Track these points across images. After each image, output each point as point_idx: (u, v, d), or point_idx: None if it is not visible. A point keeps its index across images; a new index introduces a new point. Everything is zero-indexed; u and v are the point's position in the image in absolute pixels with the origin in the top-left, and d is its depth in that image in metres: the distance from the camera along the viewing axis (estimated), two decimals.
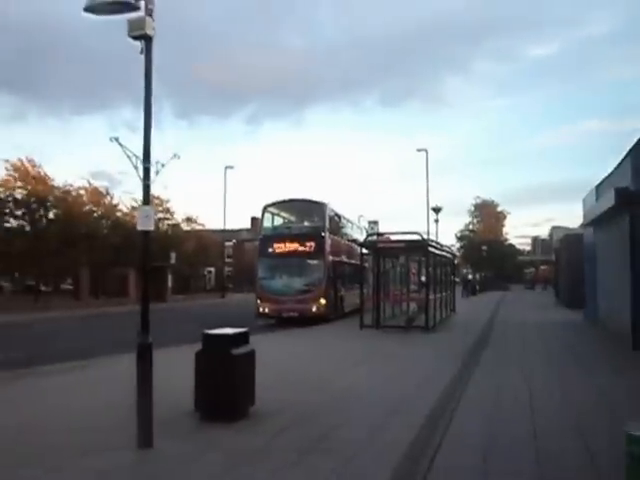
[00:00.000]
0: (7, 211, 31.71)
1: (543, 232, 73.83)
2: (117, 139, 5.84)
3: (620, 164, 13.73)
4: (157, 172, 5.78)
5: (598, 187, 16.94)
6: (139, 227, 5.64)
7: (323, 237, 21.14)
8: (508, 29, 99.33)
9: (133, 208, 36.68)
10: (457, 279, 38.22)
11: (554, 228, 49.48)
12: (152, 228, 5.74)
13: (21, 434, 5.95)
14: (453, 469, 4.89)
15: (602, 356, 12.09)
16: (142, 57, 5.52)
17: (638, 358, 11.36)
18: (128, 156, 5.72)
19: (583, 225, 20.12)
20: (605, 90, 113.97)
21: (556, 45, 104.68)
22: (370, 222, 36.44)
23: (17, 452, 5.33)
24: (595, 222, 16.52)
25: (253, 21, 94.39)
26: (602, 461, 4.99)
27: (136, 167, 5.66)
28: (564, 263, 30.50)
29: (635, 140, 12.00)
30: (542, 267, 67.46)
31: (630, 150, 12.41)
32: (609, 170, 15.35)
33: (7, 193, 31.48)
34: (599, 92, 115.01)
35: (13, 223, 32.48)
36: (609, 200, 12.90)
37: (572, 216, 41.84)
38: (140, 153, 5.64)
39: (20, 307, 28.19)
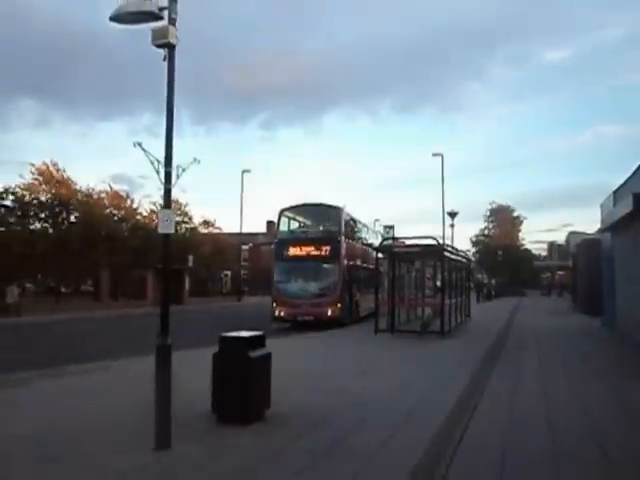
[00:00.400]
0: (32, 214, 32.71)
1: (560, 237, 73.10)
2: (140, 144, 5.97)
3: (638, 168, 13.58)
4: (178, 176, 5.92)
5: (616, 192, 16.77)
6: (160, 230, 5.75)
7: (339, 241, 21.21)
8: (523, 34, 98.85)
9: (152, 211, 37.82)
10: (472, 284, 37.93)
11: (571, 233, 48.90)
12: (172, 231, 5.87)
13: (42, 434, 6.03)
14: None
15: (622, 364, 11.83)
16: (164, 65, 5.66)
17: None
18: (151, 161, 5.85)
19: (601, 230, 19.91)
20: (622, 94, 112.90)
21: (572, 49, 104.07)
22: (386, 227, 36.36)
23: (37, 451, 5.42)
24: (613, 227, 16.35)
25: (269, 28, 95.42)
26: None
27: (158, 171, 5.80)
28: (581, 269, 30.13)
29: None
30: (559, 272, 66.56)
31: None
32: (627, 175, 15.21)
33: (32, 196, 32.41)
34: (616, 96, 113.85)
35: (37, 225, 33.47)
36: (627, 205, 12.79)
37: (589, 221, 41.50)
38: (161, 158, 5.76)
39: (42, 308, 28.78)
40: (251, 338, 6.62)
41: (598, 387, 8.98)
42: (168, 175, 5.74)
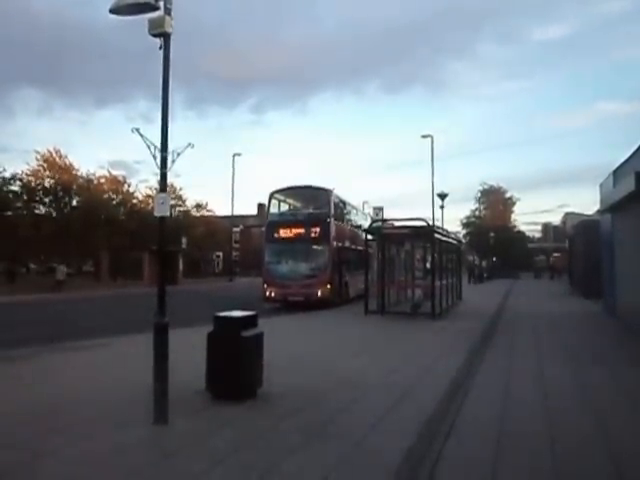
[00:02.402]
0: (37, 199, 35.33)
1: (555, 219, 73.75)
2: (138, 130, 6.25)
3: None
4: (173, 161, 6.23)
5: (616, 172, 16.55)
6: (156, 213, 6.07)
7: (328, 223, 21.62)
8: (512, 11, 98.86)
9: (148, 196, 40.87)
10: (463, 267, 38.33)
11: (568, 214, 49.20)
12: (168, 214, 6.20)
13: (44, 407, 6.40)
14: (461, 459, 4.97)
15: (623, 350, 11.58)
16: (159, 53, 5.96)
17: None
18: (147, 146, 6.15)
19: (600, 211, 19.82)
20: (620, 71, 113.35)
21: (568, 25, 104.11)
22: (375, 208, 36.72)
23: (40, 424, 5.75)
24: (613, 208, 16.22)
25: (257, 13, 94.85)
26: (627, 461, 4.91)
27: (154, 156, 6.08)
28: (579, 251, 29.92)
29: None
30: (554, 255, 67.14)
31: None
32: (626, 154, 14.97)
33: (37, 182, 35.01)
34: (613, 73, 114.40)
35: (42, 210, 36.12)
36: (629, 185, 12.61)
37: (586, 202, 41.85)
38: (157, 143, 6.04)
39: (45, 288, 30.73)
40: (244, 318, 6.90)
41: (598, 371, 8.97)
42: (164, 160, 6.02)
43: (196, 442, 5.23)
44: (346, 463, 4.81)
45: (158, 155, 5.95)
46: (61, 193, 35.72)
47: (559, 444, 5.34)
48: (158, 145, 5.95)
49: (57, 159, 35.68)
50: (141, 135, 6.04)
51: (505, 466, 4.80)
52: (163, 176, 6.07)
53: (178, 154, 6.16)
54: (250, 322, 6.98)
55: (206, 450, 5.03)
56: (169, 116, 5.98)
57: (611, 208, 16.48)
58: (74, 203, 36.70)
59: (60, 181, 35.12)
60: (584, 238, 27.99)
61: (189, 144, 6.36)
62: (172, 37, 6.00)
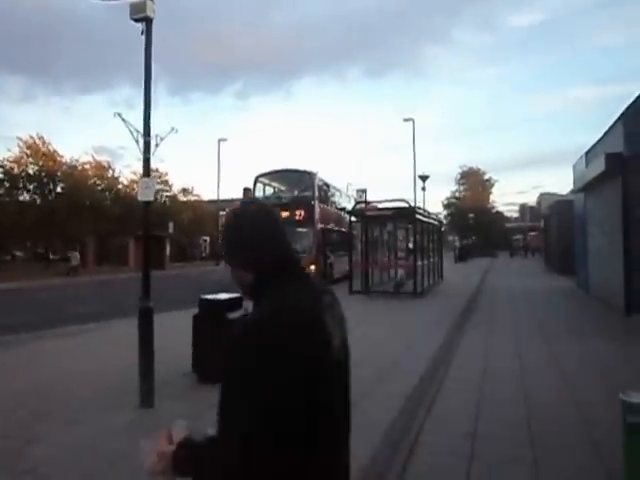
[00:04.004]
0: (21, 186, 34.42)
1: (532, 199, 74.37)
2: (120, 115, 6.08)
3: (610, 129, 13.78)
4: (157, 145, 6.06)
5: (588, 153, 16.96)
6: (140, 198, 5.88)
7: (312, 205, 21.44)
8: None
9: (133, 181, 39.74)
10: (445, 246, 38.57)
11: (542, 195, 49.65)
12: (152, 199, 6.01)
13: (31, 394, 6.20)
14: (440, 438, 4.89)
15: (595, 321, 12.02)
16: (142, 38, 5.79)
17: (631, 324, 11.31)
18: (130, 131, 5.96)
19: (573, 191, 20.17)
20: (591, 57, 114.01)
21: (541, 12, 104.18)
22: (358, 190, 36.62)
23: (27, 410, 5.58)
24: (586, 188, 16.57)
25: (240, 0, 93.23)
26: (598, 428, 4.96)
27: (137, 141, 5.92)
28: (554, 230, 30.61)
29: (626, 105, 12.05)
30: (530, 234, 67.89)
31: (621, 115, 12.46)
32: (598, 136, 15.37)
33: (20, 169, 34.13)
34: (585, 59, 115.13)
35: (26, 197, 35.29)
36: (599, 166, 13.00)
37: (560, 183, 42.23)
38: (140, 128, 5.85)
39: (31, 274, 30.04)
40: (229, 300, 6.73)
41: (569, 342, 9.30)
42: (147, 145, 5.83)
43: None
44: None
45: (141, 140, 5.76)
46: (45, 180, 34.92)
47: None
48: (141, 130, 5.76)
49: (40, 145, 34.77)
50: (123, 120, 5.86)
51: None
52: (146, 161, 5.87)
53: (161, 139, 6.01)
54: (236, 304, 6.80)
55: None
56: (152, 101, 5.80)
57: (583, 188, 16.81)
58: (58, 189, 35.88)
59: (44, 168, 34.36)
60: (558, 217, 28.43)
61: (172, 129, 6.22)
62: (155, 22, 5.85)
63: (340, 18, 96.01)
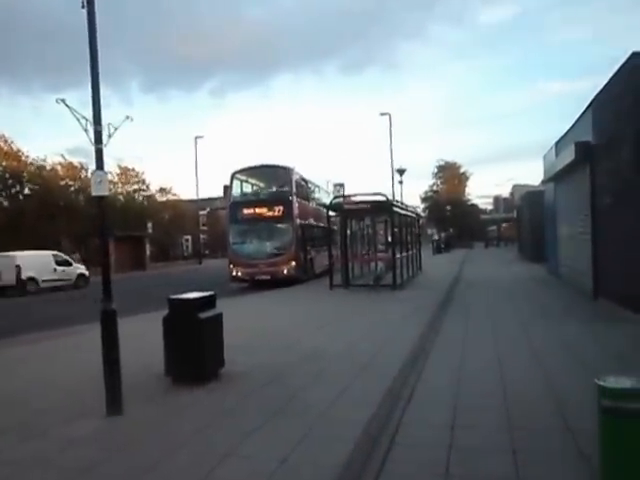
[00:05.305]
0: None
1: (505, 192, 74.65)
2: (64, 100, 5.42)
3: (579, 119, 13.72)
4: (109, 136, 5.45)
5: (558, 143, 16.99)
6: (94, 193, 5.38)
7: (291, 201, 21.03)
8: None
9: (109, 181, 37.18)
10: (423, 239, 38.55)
11: (515, 186, 49.92)
12: (106, 193, 5.53)
13: None
14: (420, 430, 4.70)
15: (565, 305, 12.25)
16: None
17: (598, 306, 11.57)
18: (77, 119, 5.38)
19: (544, 181, 20.25)
20: (559, 52, 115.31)
21: (510, 8, 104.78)
22: (336, 185, 36.34)
23: None
24: (555, 177, 16.62)
25: None
26: (571, 408, 4.96)
27: (86, 130, 5.35)
28: (526, 219, 30.87)
29: (594, 95, 11.93)
30: (504, 224, 68.37)
31: (589, 104, 12.37)
32: (567, 127, 15.38)
33: None
34: (553, 54, 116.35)
35: None
36: (569, 154, 12.95)
37: (532, 175, 42.47)
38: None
39: None
40: (200, 299, 6.38)
41: (536, 323, 9.74)
42: (98, 134, 5.29)
43: (151, 431, 4.75)
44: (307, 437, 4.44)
45: (90, 129, 5.22)
46: (10, 181, 32.76)
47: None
48: (90, 118, 5.23)
49: (2, 144, 32.44)
50: (68, 106, 5.27)
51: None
52: (98, 152, 5.30)
53: (115, 128, 5.43)
54: (207, 303, 6.46)
55: (162, 439, 4.56)
56: (99, 84, 5.23)
57: (554, 177, 16.88)
58: (26, 191, 33.88)
59: (8, 168, 32.09)
60: (530, 207, 28.63)
61: (127, 117, 5.64)
62: (127, 19, 5.48)
63: (316, 14, 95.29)
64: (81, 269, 26.32)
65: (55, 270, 24.24)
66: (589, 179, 12.36)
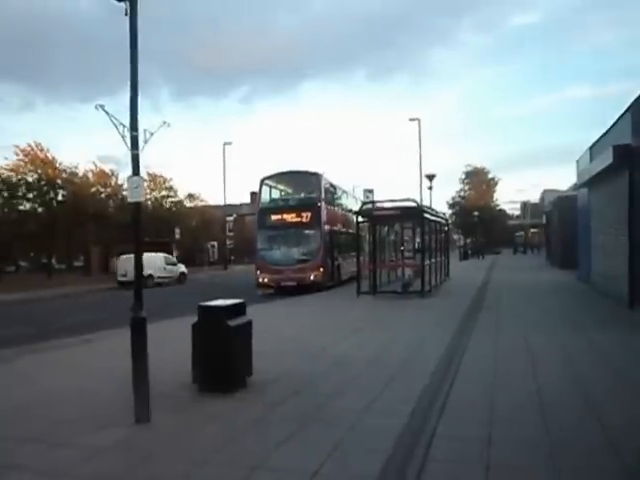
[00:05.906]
0: (20, 194, 32.70)
1: (531, 197, 73.42)
2: (103, 106, 5.36)
3: (617, 122, 13.26)
4: (145, 142, 5.40)
5: (592, 148, 16.54)
6: (130, 199, 5.34)
7: (319, 207, 20.86)
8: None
9: None
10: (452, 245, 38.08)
11: (545, 191, 48.78)
12: (142, 199, 5.49)
13: (26, 409, 5.72)
14: (455, 443, 4.48)
15: (600, 313, 11.89)
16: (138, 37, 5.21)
17: (635, 315, 11.13)
18: (115, 125, 5.30)
19: (577, 186, 19.76)
20: (588, 56, 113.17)
21: (539, 13, 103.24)
22: (365, 190, 36.14)
23: (20, 427, 5.12)
24: (590, 182, 16.15)
25: (244, 3, 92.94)
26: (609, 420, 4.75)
27: (123, 136, 5.27)
28: (556, 225, 30.19)
29: (635, 97, 11.50)
30: (532, 230, 67.03)
31: (629, 107, 11.94)
32: (600, 132, 15.02)
33: (19, 177, 32.39)
34: (582, 58, 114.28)
35: (26, 206, 33.61)
36: (606, 158, 12.53)
37: (558, 180, 41.60)
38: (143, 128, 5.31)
39: (35, 284, 28.96)
40: (230, 306, 6.24)
41: (570, 333, 9.41)
42: (134, 140, 5.24)
43: (179, 440, 4.63)
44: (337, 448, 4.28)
45: (127, 135, 5.17)
46: (45, 188, 33.14)
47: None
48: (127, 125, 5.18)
49: (38, 153, 32.85)
50: (106, 112, 5.19)
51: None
52: (135, 158, 5.25)
53: (151, 134, 5.33)
54: (237, 310, 6.32)
55: (190, 448, 4.43)
56: (138, 90, 5.19)
57: (588, 183, 16.36)
58: (60, 197, 34.08)
59: (43, 175, 32.59)
60: (561, 213, 28.01)
61: (164, 123, 5.54)
62: (157, 28, 5.42)
63: (345, 21, 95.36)
64: (182, 268, 31.35)
65: (165, 269, 29.53)
66: (628, 183, 11.90)
